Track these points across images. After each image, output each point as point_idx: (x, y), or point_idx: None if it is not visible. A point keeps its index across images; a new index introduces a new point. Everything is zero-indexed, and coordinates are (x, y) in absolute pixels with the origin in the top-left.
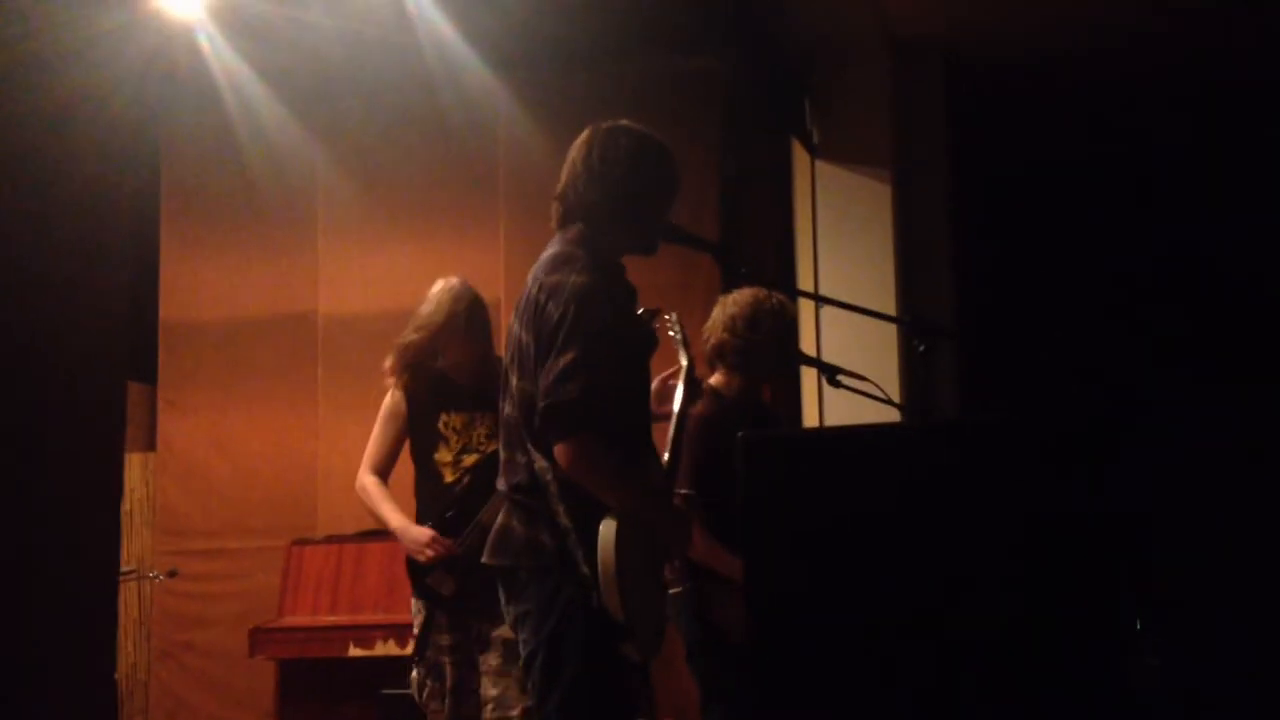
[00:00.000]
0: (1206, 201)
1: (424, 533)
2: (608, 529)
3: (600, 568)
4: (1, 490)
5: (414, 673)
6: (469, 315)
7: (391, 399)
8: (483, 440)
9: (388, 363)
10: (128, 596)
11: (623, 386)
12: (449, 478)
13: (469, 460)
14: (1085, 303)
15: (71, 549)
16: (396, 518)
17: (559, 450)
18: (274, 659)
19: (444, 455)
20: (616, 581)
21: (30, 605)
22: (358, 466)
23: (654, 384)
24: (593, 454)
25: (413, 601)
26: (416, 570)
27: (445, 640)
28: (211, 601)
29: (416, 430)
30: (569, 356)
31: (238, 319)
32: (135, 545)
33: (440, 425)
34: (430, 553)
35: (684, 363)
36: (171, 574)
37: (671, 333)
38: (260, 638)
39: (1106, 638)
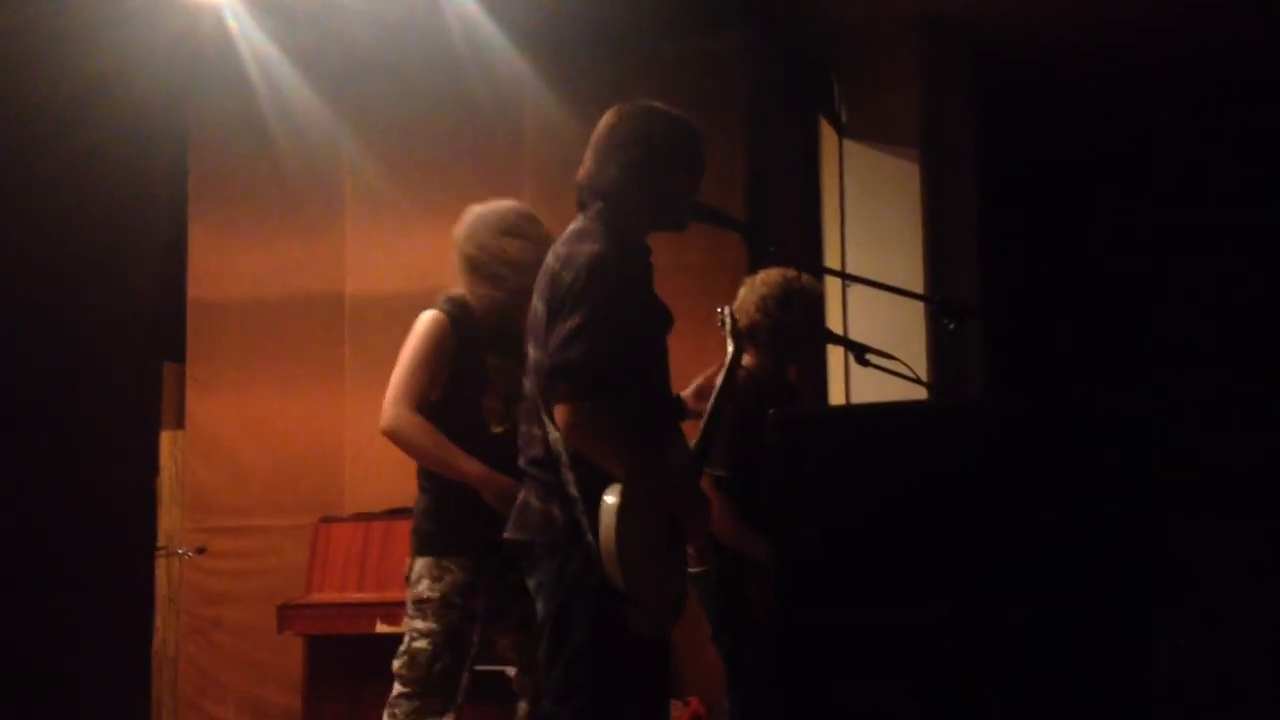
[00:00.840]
0: (1239, 189)
1: (513, 482)
2: (610, 497)
3: (601, 535)
4: (42, 470)
5: (415, 643)
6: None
7: (436, 323)
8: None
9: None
10: (157, 573)
11: (634, 357)
12: (497, 428)
13: (516, 408)
14: (1113, 285)
15: (110, 526)
16: (474, 463)
17: (559, 413)
18: (302, 635)
19: (491, 402)
20: (617, 550)
21: (70, 582)
22: (385, 444)
23: (698, 380)
24: (593, 419)
25: (429, 564)
26: (474, 525)
27: (480, 605)
28: (240, 578)
29: (462, 369)
30: (575, 320)
31: (265, 299)
32: (164, 523)
33: (490, 368)
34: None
35: (730, 353)
36: (200, 551)
37: (721, 325)
38: (288, 614)
39: (1133, 618)
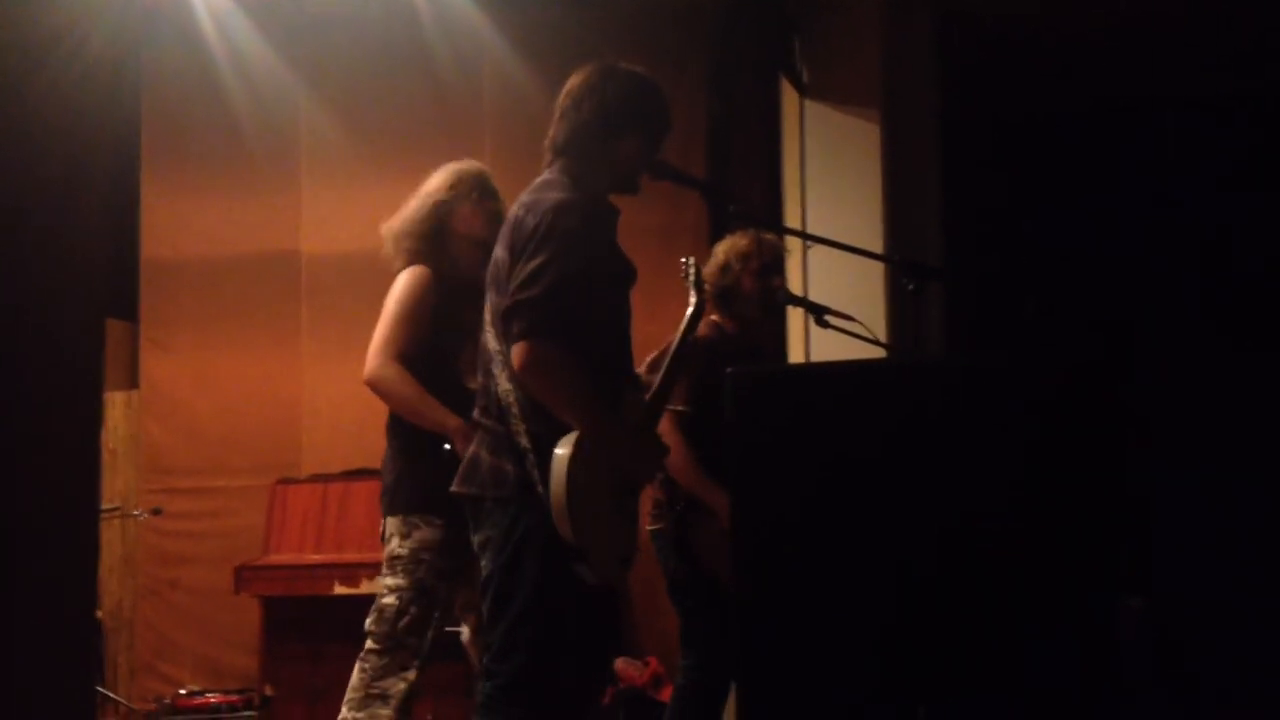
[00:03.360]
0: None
1: None
2: (563, 448)
3: (551, 486)
4: None
5: (385, 599)
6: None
7: (420, 275)
8: None
9: (405, 242)
10: (112, 535)
11: (593, 303)
12: (473, 384)
13: None
14: (1074, 246)
15: (50, 482)
16: (451, 415)
17: (515, 352)
18: (259, 596)
19: (469, 356)
20: (567, 501)
21: (12, 544)
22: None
23: (652, 355)
24: (545, 357)
25: (399, 521)
26: (442, 483)
27: (449, 562)
28: (196, 540)
29: (442, 322)
30: (538, 260)
31: (220, 257)
32: (119, 483)
33: (468, 322)
34: None
35: (693, 302)
36: (155, 512)
37: (684, 276)
38: (246, 575)
39: (1088, 577)
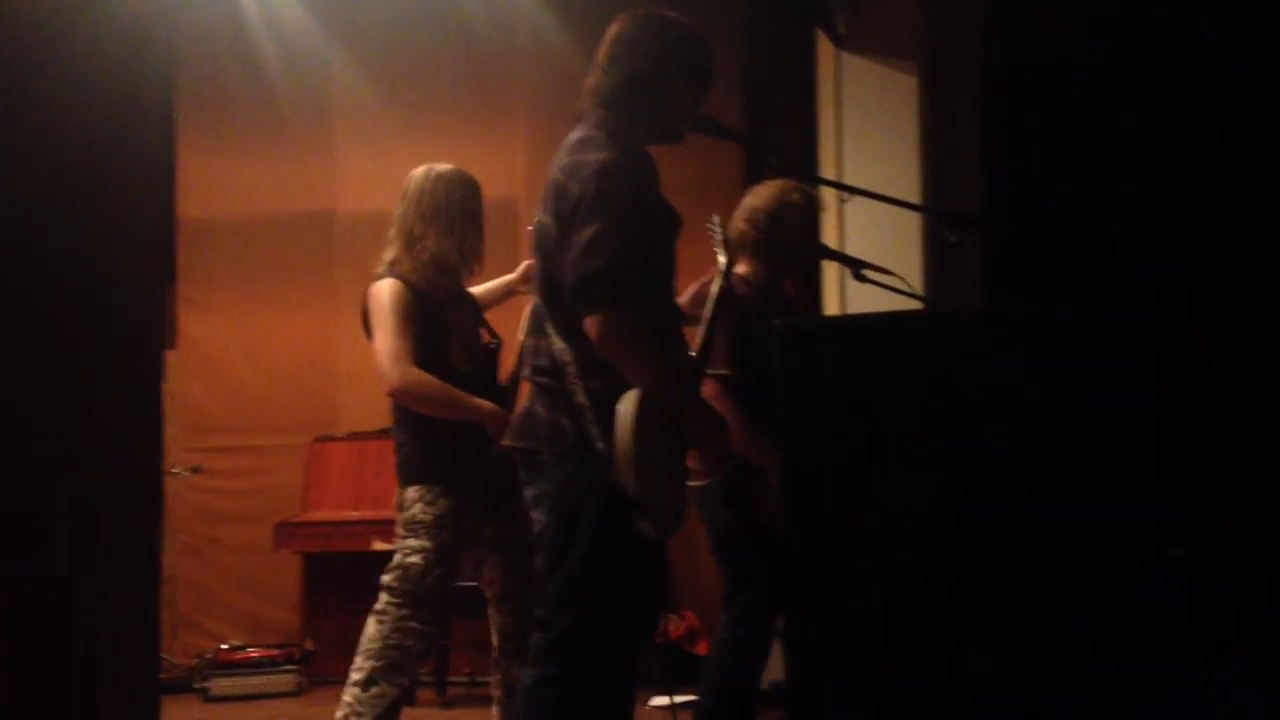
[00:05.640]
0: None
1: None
2: (627, 404)
3: (617, 442)
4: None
5: (410, 559)
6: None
7: (395, 287)
8: (479, 332)
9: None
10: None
11: (651, 262)
12: (466, 367)
13: (476, 351)
14: (1114, 198)
15: (120, 449)
16: (485, 403)
17: (589, 325)
18: (299, 553)
19: (456, 349)
20: (633, 457)
21: (85, 506)
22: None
23: (692, 288)
24: (624, 328)
25: (422, 490)
26: (460, 453)
27: (468, 529)
28: (236, 497)
29: (425, 325)
30: (593, 229)
31: (256, 217)
32: None
33: (449, 320)
34: None
35: (721, 262)
36: (195, 470)
37: (712, 233)
38: (285, 532)
39: (1133, 528)
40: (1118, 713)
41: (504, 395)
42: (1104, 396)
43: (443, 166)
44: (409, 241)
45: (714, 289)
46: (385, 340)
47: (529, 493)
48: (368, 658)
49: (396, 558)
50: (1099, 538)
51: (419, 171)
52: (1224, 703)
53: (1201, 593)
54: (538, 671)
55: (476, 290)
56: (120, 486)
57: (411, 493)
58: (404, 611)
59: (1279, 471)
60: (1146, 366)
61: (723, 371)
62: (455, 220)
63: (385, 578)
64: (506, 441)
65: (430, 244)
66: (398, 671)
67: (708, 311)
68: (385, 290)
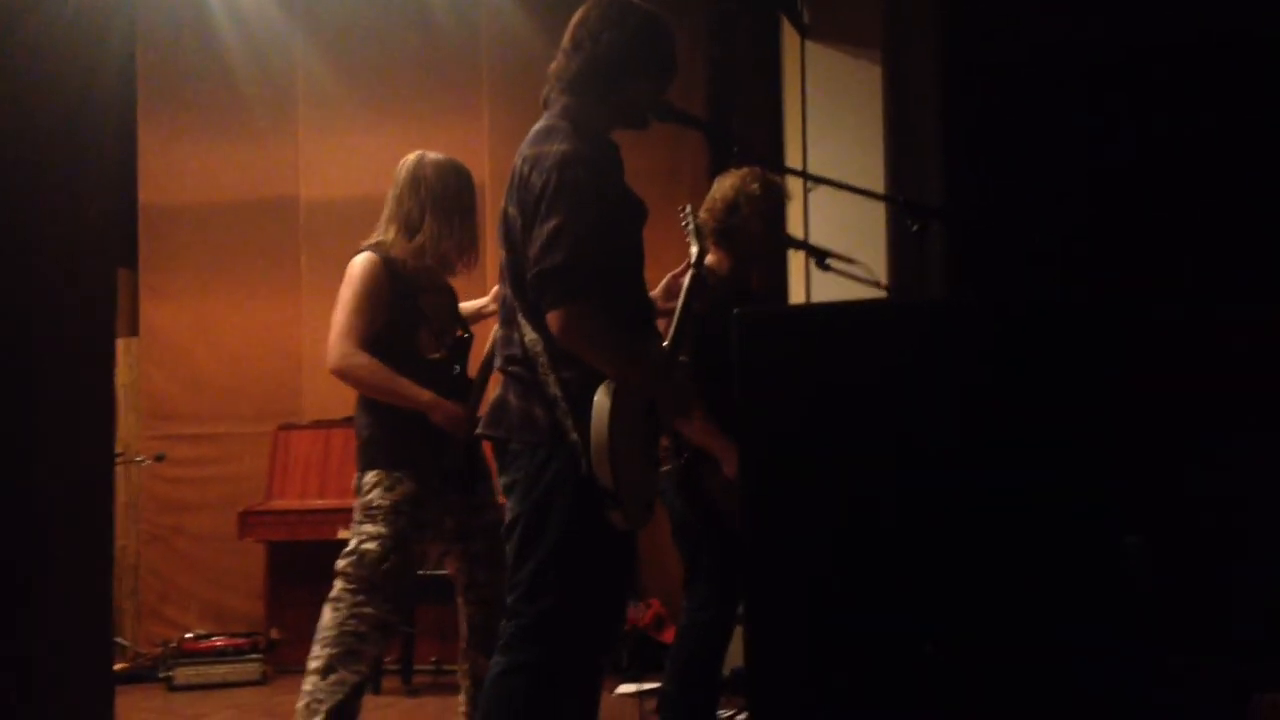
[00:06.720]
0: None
1: (459, 406)
2: (603, 396)
3: (593, 434)
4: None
5: (365, 545)
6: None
7: (370, 264)
8: (453, 323)
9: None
10: (115, 481)
11: (612, 254)
12: (435, 355)
13: (447, 340)
14: (1077, 187)
15: (70, 433)
16: (425, 391)
17: (551, 319)
18: (263, 542)
19: (426, 334)
20: (609, 449)
21: (33, 490)
22: None
23: (664, 280)
24: (584, 321)
25: (380, 475)
26: (420, 441)
27: (427, 516)
28: (199, 486)
29: (397, 305)
30: (553, 223)
31: (218, 203)
32: (121, 430)
33: (423, 305)
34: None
35: (693, 253)
36: (158, 458)
37: (684, 224)
38: (249, 521)
39: (1089, 514)
40: (1075, 694)
41: (469, 388)
42: (1062, 387)
43: (435, 155)
44: (407, 228)
45: (686, 279)
46: (339, 315)
47: (502, 480)
48: (325, 645)
49: (352, 543)
50: (1055, 525)
51: (412, 157)
52: (1178, 686)
53: (1156, 578)
54: (507, 659)
55: None
56: (68, 472)
57: (370, 477)
58: (359, 598)
59: (1234, 460)
60: (1105, 357)
61: (680, 358)
62: (454, 214)
63: (340, 563)
64: (480, 431)
65: (429, 234)
66: (355, 658)
67: (680, 301)
68: (359, 265)
